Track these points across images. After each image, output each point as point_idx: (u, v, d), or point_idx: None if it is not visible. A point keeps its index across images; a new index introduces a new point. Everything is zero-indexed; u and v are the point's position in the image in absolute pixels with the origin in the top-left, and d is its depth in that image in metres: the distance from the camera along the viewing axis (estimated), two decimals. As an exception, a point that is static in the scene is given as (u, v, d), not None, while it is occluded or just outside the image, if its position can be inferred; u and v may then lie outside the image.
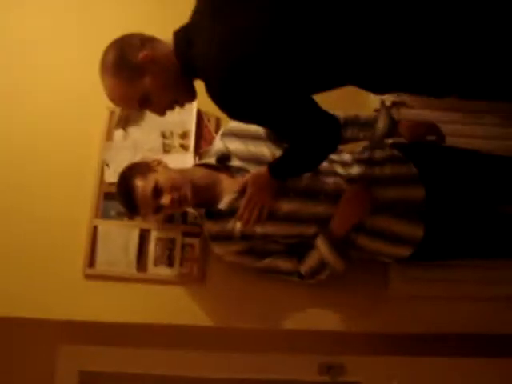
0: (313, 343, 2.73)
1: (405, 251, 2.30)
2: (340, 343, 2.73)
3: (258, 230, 2.24)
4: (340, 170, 2.27)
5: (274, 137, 2.31)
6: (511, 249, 2.41)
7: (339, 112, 2.33)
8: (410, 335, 2.57)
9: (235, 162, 2.31)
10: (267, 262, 2.34)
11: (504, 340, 2.62)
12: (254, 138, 2.33)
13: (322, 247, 2.23)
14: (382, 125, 2.35)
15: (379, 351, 2.67)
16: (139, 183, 2.19)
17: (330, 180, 2.25)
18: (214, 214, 2.30)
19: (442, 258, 2.42)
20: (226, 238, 2.29)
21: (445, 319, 2.55)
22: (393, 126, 2.35)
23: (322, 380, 2.74)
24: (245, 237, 2.26)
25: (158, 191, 2.18)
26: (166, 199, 2.18)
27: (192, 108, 2.67)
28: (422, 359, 2.69)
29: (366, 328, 2.53)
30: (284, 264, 2.34)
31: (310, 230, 2.26)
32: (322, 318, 2.51)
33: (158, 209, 2.21)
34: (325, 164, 2.26)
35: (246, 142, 2.33)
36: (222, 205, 2.27)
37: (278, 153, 2.25)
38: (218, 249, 2.35)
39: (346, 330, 2.53)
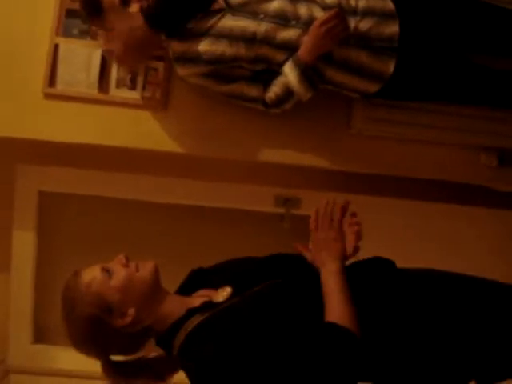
0: (271, 175, 2.72)
1: (373, 86, 2.20)
2: (298, 177, 2.72)
3: (227, 50, 2.12)
4: (315, -4, 2.13)
5: None
6: (478, 96, 2.35)
7: None
8: (368, 175, 2.55)
9: None
10: (232, 86, 2.22)
11: (462, 188, 2.64)
12: None
13: (289, 74, 2.12)
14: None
15: (336, 188, 2.67)
16: None
17: (304, 6, 2.10)
18: (181, 33, 2.14)
19: (408, 97, 2.33)
20: (192, 59, 2.15)
21: (405, 162, 2.51)
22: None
23: (277, 211, 2.77)
24: (210, 59, 2.13)
25: None
26: None
27: None
28: (378, 199, 2.72)
29: (324, 164, 2.48)
30: (249, 90, 2.23)
31: (279, 55, 2.13)
32: (283, 152, 2.45)
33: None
34: None
35: None
36: (190, 23, 2.12)
37: None
38: (181, 70, 2.21)
39: (305, 165, 2.48)
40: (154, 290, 1.54)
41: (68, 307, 1.53)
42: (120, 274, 1.53)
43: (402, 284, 1.64)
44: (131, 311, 1.51)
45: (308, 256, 1.65)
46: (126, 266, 1.54)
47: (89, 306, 1.50)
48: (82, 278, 1.53)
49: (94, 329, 1.52)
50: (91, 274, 1.53)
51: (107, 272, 1.53)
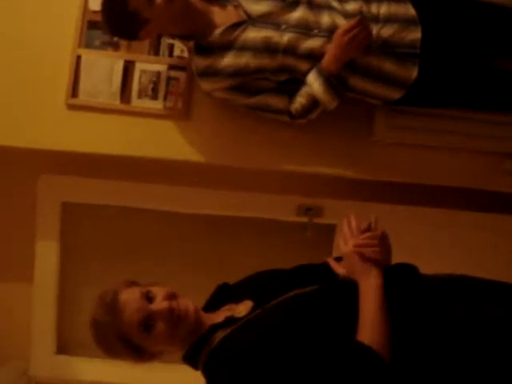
0: (293, 184, 2.70)
1: (396, 93, 2.18)
2: (320, 186, 2.70)
3: (251, 62, 2.09)
4: (335, 4, 2.10)
5: None
6: (500, 102, 2.32)
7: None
8: (391, 183, 2.52)
9: None
10: (257, 98, 2.20)
11: (487, 196, 2.59)
12: None
13: (314, 84, 2.09)
14: (382, -39, 2.16)
15: (359, 197, 2.64)
16: None
17: (325, 14, 2.08)
18: (204, 48, 2.13)
19: (431, 104, 2.30)
20: (216, 73, 2.13)
21: (427, 169, 2.47)
22: (394, -37, 2.16)
23: (299, 220, 2.74)
24: (234, 72, 2.12)
25: None
26: None
27: None
28: (401, 207, 2.67)
29: (347, 172, 2.45)
30: (274, 101, 2.21)
31: (303, 65, 2.12)
32: (305, 160, 2.42)
33: None
34: None
35: None
36: (213, 37, 2.10)
37: None
38: (206, 85, 2.20)
39: (328, 174, 2.45)
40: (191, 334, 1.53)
41: (106, 326, 1.51)
42: (160, 330, 1.49)
43: (428, 294, 1.57)
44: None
45: (340, 271, 1.59)
46: (168, 318, 1.49)
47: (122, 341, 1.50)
48: (120, 311, 1.49)
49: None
50: (131, 315, 1.48)
51: (147, 323, 1.48)
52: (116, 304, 1.49)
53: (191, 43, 2.17)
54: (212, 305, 1.65)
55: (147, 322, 1.47)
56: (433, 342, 1.47)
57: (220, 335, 1.49)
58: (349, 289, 1.53)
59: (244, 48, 2.10)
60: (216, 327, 1.50)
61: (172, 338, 1.50)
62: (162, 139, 2.40)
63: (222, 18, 2.13)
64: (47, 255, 2.78)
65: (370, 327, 1.41)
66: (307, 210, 2.71)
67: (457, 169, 2.48)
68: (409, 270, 1.62)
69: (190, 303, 1.53)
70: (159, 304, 1.49)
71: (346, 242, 1.57)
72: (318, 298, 1.51)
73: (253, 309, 1.53)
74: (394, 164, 2.46)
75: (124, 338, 1.48)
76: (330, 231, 2.72)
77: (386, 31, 2.09)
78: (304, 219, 2.72)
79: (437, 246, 2.71)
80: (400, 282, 1.56)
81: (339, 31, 2.02)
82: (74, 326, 2.85)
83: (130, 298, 1.50)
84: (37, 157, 2.57)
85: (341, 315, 1.47)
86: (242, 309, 1.55)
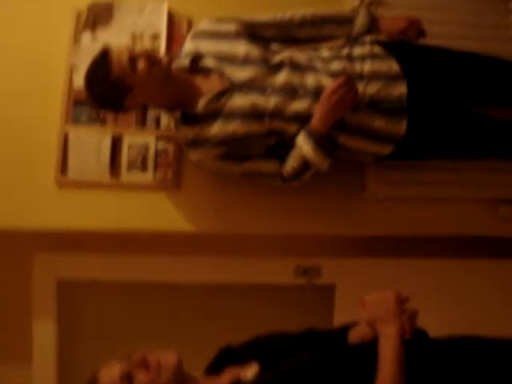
0: (289, 246, 2.61)
1: (386, 149, 2.12)
2: (316, 246, 2.61)
3: (239, 129, 2.04)
4: (319, 64, 2.05)
5: (247, 32, 2.09)
6: (492, 150, 2.27)
7: (315, 10, 2.12)
8: (386, 238, 2.45)
9: (209, 62, 2.08)
10: (248, 165, 2.13)
11: (479, 242, 2.51)
12: (226, 37, 2.09)
13: (304, 146, 2.02)
14: (361, 21, 2.12)
15: (356, 254, 2.57)
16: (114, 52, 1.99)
17: (310, 75, 2.03)
18: (191, 118, 2.07)
19: (422, 156, 2.25)
20: (204, 142, 2.06)
21: (421, 221, 2.39)
22: (373, 22, 2.12)
23: (298, 282, 2.64)
24: (223, 140, 2.05)
25: (133, 54, 1.98)
26: (140, 49, 2.01)
27: (163, 9, 2.41)
28: (398, 261, 2.60)
29: (342, 230, 2.37)
30: (265, 166, 2.13)
31: (291, 128, 2.05)
32: (299, 222, 2.34)
33: (132, 60, 1.96)
34: (303, 60, 2.05)
35: (217, 42, 2.09)
36: (199, 107, 2.04)
37: (254, 50, 2.04)
38: (195, 155, 2.13)
39: (322, 233, 2.38)
40: None
41: None
42: (142, 382, 1.40)
43: (439, 356, 1.53)
44: None
45: (364, 315, 1.52)
46: (147, 367, 1.42)
47: None
48: None
49: None
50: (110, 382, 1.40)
51: (128, 380, 1.40)
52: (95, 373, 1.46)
53: (177, 114, 2.11)
54: (214, 367, 1.57)
55: (128, 375, 1.41)
56: None
57: None
58: (361, 355, 1.48)
59: (231, 115, 2.04)
60: None
61: None
62: (154, 211, 2.32)
63: (207, 86, 2.07)
64: (45, 335, 2.66)
65: (387, 380, 1.37)
66: (305, 271, 2.61)
67: (454, 218, 2.41)
68: (419, 335, 1.56)
69: (170, 355, 1.45)
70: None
71: (387, 307, 1.50)
72: (330, 363, 1.45)
73: (260, 372, 1.45)
74: (389, 218, 2.38)
75: None
76: (329, 290, 2.63)
77: (372, 88, 2.04)
78: (302, 281, 2.62)
79: (437, 297, 2.62)
80: (412, 347, 1.49)
81: (327, 91, 1.96)
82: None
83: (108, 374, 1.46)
84: (30, 235, 2.47)
85: (354, 381, 1.41)
86: (248, 371, 1.47)
